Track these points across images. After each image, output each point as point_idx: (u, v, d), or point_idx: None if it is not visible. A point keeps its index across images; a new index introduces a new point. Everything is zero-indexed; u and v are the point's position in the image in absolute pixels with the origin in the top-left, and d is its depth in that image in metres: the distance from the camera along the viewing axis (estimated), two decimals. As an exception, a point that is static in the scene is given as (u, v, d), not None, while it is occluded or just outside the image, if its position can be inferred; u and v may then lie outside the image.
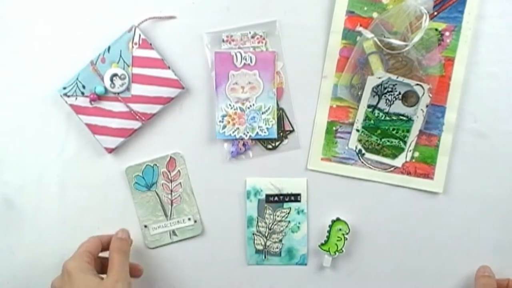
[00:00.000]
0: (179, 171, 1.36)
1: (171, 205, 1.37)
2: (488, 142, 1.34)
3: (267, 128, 1.32)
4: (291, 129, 1.34)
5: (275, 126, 1.32)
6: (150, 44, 1.27)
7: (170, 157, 1.35)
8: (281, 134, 1.34)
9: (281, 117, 1.33)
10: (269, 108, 1.32)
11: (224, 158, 1.35)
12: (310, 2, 1.30)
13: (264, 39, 1.30)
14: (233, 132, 1.32)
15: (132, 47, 1.26)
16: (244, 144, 1.34)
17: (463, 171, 1.34)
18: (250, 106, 1.32)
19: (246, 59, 1.30)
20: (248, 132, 1.32)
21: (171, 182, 1.36)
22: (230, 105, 1.32)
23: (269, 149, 1.35)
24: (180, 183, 1.36)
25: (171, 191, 1.37)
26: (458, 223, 1.36)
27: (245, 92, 1.32)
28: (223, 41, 1.30)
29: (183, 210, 1.37)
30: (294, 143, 1.35)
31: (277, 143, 1.34)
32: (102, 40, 1.27)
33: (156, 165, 1.35)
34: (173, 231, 1.38)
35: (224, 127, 1.32)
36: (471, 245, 1.37)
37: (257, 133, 1.32)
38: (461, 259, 1.36)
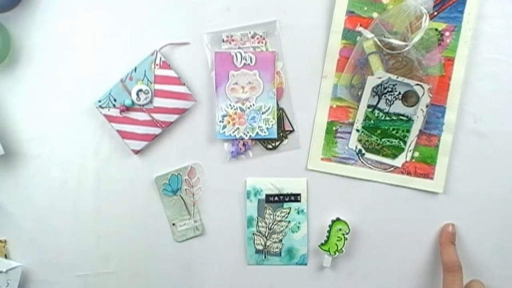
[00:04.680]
0: (198, 178, 1.45)
1: (194, 206, 1.47)
2: (488, 142, 1.32)
3: (267, 128, 1.33)
4: (291, 129, 1.34)
5: (275, 126, 1.32)
6: (169, 65, 1.38)
7: (191, 167, 1.44)
8: (281, 134, 1.34)
9: (281, 117, 1.33)
10: (269, 108, 1.32)
11: (224, 158, 1.39)
12: (310, 2, 1.31)
13: (264, 39, 1.31)
14: (233, 132, 1.34)
15: (154, 67, 1.38)
16: (244, 144, 1.35)
17: (463, 171, 1.33)
18: (250, 106, 1.32)
19: (246, 59, 1.31)
20: (248, 132, 1.33)
21: (192, 187, 1.46)
22: (230, 105, 1.33)
23: (269, 149, 1.36)
24: (200, 187, 1.46)
25: (193, 194, 1.46)
26: (458, 223, 1.35)
27: (245, 92, 1.32)
28: (223, 41, 1.31)
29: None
30: (294, 143, 1.35)
31: (277, 143, 1.35)
32: (130, 62, 1.38)
33: (179, 174, 1.45)
34: (196, 227, 1.48)
35: (224, 127, 1.34)
36: (471, 245, 1.36)
37: (257, 133, 1.33)
38: (461, 259, 1.33)
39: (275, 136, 1.34)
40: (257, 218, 1.38)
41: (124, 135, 1.42)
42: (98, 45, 1.43)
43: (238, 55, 1.31)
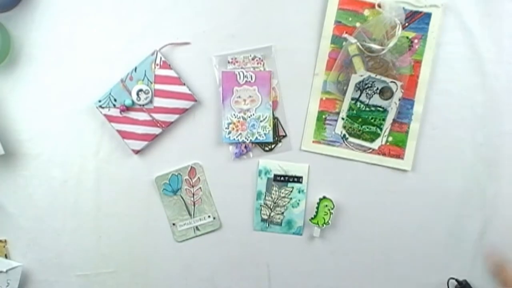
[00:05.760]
0: (198, 178, 1.47)
1: (194, 206, 1.49)
2: (444, 130, 1.48)
3: (265, 134, 1.45)
4: (284, 134, 1.46)
5: (271, 132, 1.45)
6: (169, 65, 1.39)
7: (191, 167, 1.47)
8: (276, 138, 1.46)
9: (276, 124, 1.46)
10: (266, 117, 1.44)
11: (229, 158, 1.47)
12: (300, 31, 1.44)
13: (262, 60, 1.44)
14: (236, 137, 1.45)
15: (155, 67, 1.39)
16: (245, 147, 1.46)
17: (428, 152, 1.48)
18: (251, 115, 1.45)
19: (247, 77, 1.44)
20: (249, 137, 1.45)
21: (193, 187, 1.48)
22: (234, 114, 1.44)
23: (266, 150, 1.47)
24: (200, 187, 1.48)
25: (193, 194, 1.49)
26: (424, 194, 1.49)
27: (246, 104, 1.44)
28: (229, 62, 1.44)
29: (203, 210, 1.49)
30: (287, 146, 1.47)
31: (272, 146, 1.47)
32: (130, 62, 1.40)
33: (180, 174, 1.47)
34: (196, 227, 1.50)
35: (229, 132, 1.44)
36: (433, 212, 1.50)
37: (256, 137, 1.45)
38: (426, 225, 1.49)
39: (271, 140, 1.47)
40: (265, 193, 1.49)
41: (124, 135, 1.43)
42: (98, 45, 1.44)
43: (241, 74, 1.44)
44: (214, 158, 1.47)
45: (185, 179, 1.48)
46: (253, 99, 1.45)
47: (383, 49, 1.37)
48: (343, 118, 1.46)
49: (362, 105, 1.46)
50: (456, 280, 1.47)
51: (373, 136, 1.47)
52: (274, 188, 1.48)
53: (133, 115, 1.42)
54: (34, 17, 1.41)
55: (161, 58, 1.40)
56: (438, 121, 1.46)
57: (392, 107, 1.44)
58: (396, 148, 1.48)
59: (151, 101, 1.41)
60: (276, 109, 1.47)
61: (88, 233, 1.50)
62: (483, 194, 1.47)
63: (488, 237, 1.48)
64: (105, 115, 1.42)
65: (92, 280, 1.52)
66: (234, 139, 1.46)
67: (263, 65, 1.45)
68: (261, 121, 1.46)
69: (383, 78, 1.42)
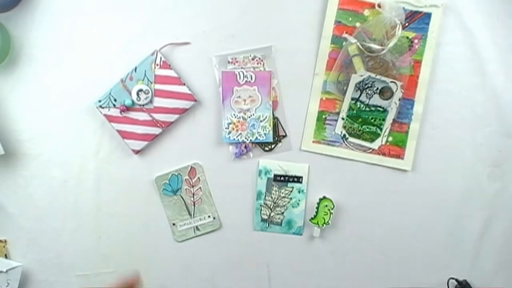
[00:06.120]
0: (198, 178, 1.48)
1: (194, 206, 1.50)
2: (444, 130, 1.49)
3: (265, 134, 1.45)
4: (284, 134, 1.46)
5: (271, 132, 1.45)
6: (169, 65, 1.39)
7: (191, 166, 1.47)
8: (276, 138, 1.47)
9: (276, 124, 1.46)
10: (266, 117, 1.45)
11: (229, 158, 1.47)
12: (300, 31, 1.44)
13: (262, 60, 1.45)
14: (236, 137, 1.45)
15: (155, 67, 1.40)
16: (245, 147, 1.47)
17: (428, 152, 1.48)
18: (251, 115, 1.45)
19: (247, 77, 1.44)
20: (249, 137, 1.46)
21: (193, 187, 1.49)
22: (234, 114, 1.45)
23: (266, 150, 1.48)
24: (200, 187, 1.48)
25: (193, 194, 1.49)
26: (424, 194, 1.50)
27: (246, 104, 1.45)
28: (229, 62, 1.44)
29: (203, 210, 1.49)
30: (287, 146, 1.48)
31: (272, 146, 1.47)
32: (130, 62, 1.41)
33: (180, 174, 1.48)
34: (196, 227, 1.51)
35: (229, 132, 1.45)
36: (433, 212, 1.51)
37: (256, 137, 1.46)
38: (426, 225, 1.49)
39: (271, 140, 1.47)
40: (265, 193, 1.50)
41: (124, 135, 1.43)
42: (98, 45, 1.44)
43: (241, 74, 1.45)
44: (214, 158, 1.47)
45: (185, 179, 1.48)
46: (253, 99, 1.46)
47: (383, 49, 1.38)
48: (343, 118, 1.47)
49: (362, 105, 1.46)
50: (456, 280, 1.48)
51: (373, 136, 1.48)
52: (274, 188, 1.49)
53: (133, 115, 1.42)
54: (34, 17, 1.42)
55: (161, 58, 1.40)
56: (438, 121, 1.46)
57: (392, 107, 1.45)
58: (396, 148, 1.48)
59: (151, 101, 1.42)
60: (276, 109, 1.47)
61: (88, 233, 1.50)
62: (483, 194, 1.48)
63: (488, 237, 1.49)
64: (105, 115, 1.42)
65: (92, 280, 1.51)
66: (234, 139, 1.46)
67: (263, 65, 1.46)
68: (261, 121, 1.46)
69: (383, 78, 1.42)
